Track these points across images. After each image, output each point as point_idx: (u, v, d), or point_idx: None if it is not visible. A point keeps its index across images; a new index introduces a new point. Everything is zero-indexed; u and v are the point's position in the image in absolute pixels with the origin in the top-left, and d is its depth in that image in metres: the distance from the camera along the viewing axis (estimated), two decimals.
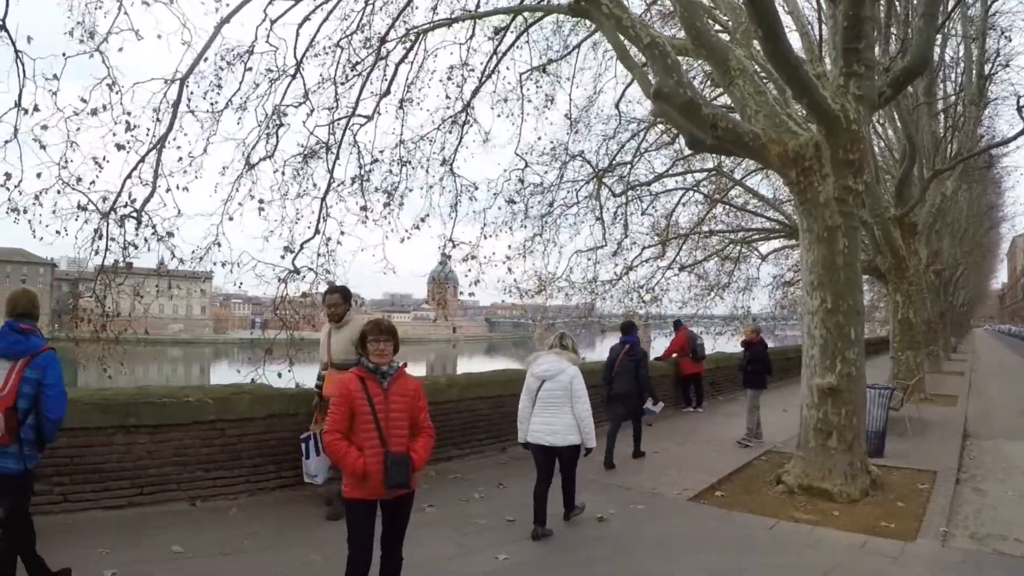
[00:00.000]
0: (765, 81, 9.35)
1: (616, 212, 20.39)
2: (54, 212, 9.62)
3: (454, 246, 13.59)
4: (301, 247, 11.51)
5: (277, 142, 11.73)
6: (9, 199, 8.95)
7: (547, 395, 6.61)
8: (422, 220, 13.85)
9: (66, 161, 9.54)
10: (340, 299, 7.09)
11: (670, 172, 21.44)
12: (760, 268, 28.05)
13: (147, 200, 9.88)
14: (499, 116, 15.92)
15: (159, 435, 6.64)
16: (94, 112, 9.20)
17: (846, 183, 8.26)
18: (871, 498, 8.15)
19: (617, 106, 19.04)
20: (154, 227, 10.00)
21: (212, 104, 11.11)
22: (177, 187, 10.72)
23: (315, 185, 12.68)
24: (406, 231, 13.39)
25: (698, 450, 10.84)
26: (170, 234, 10.08)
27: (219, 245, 11.26)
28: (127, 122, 9.60)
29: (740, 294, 26.68)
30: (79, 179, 9.68)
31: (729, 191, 22.80)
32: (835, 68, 8.80)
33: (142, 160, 9.83)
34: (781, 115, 8.43)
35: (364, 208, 13.13)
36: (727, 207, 24.01)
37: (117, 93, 9.33)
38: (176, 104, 9.98)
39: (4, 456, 4.31)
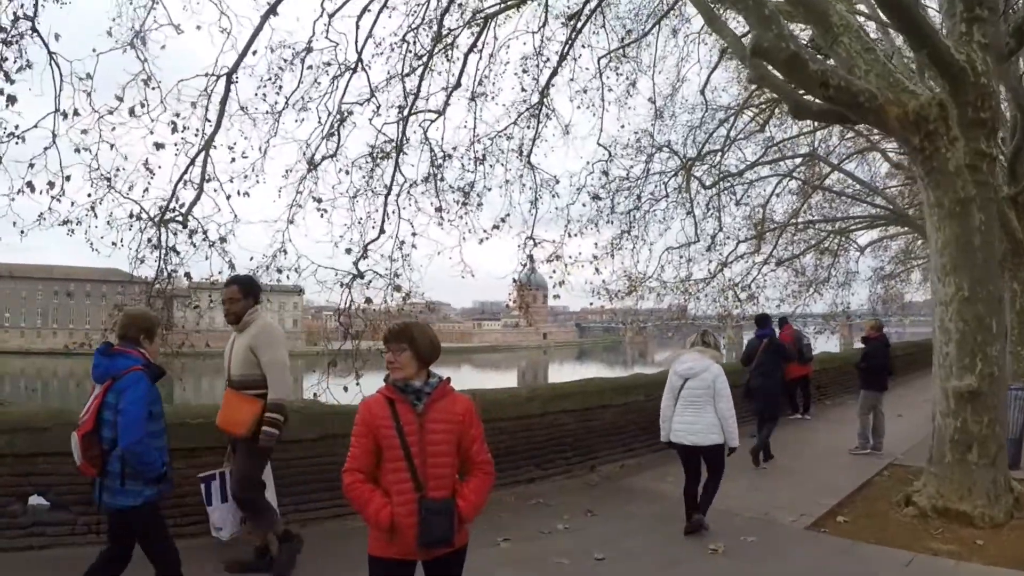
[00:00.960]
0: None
1: (708, 205, 19.25)
2: (108, 223, 9.29)
3: (535, 245, 12.77)
4: (365, 249, 10.90)
5: (339, 141, 11.18)
6: (50, 208, 8.64)
7: (689, 394, 6.58)
8: (502, 220, 13.13)
9: (116, 169, 9.20)
10: (238, 293, 5.40)
11: (762, 160, 20.13)
12: (859, 261, 26.33)
13: (193, 203, 9.41)
14: (578, 107, 15.12)
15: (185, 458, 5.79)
16: (132, 112, 8.79)
17: (978, 147, 7.04)
18: (1016, 521, 6.93)
19: (703, 93, 18.00)
20: (205, 232, 9.50)
21: (271, 105, 10.67)
22: (238, 193, 10.28)
23: (386, 186, 12.11)
24: (484, 232, 12.71)
25: (812, 464, 9.71)
26: (223, 239, 9.56)
27: (284, 252, 10.76)
28: (173, 122, 9.21)
29: (839, 290, 25.00)
30: (131, 187, 9.34)
31: (827, 177, 21.29)
32: (949, 19, 7.55)
33: (192, 163, 9.38)
34: (895, 73, 7.26)
35: (439, 209, 12.50)
36: (824, 194, 22.56)
37: (154, 89, 8.94)
38: (224, 101, 9.50)
39: (102, 489, 4.02)
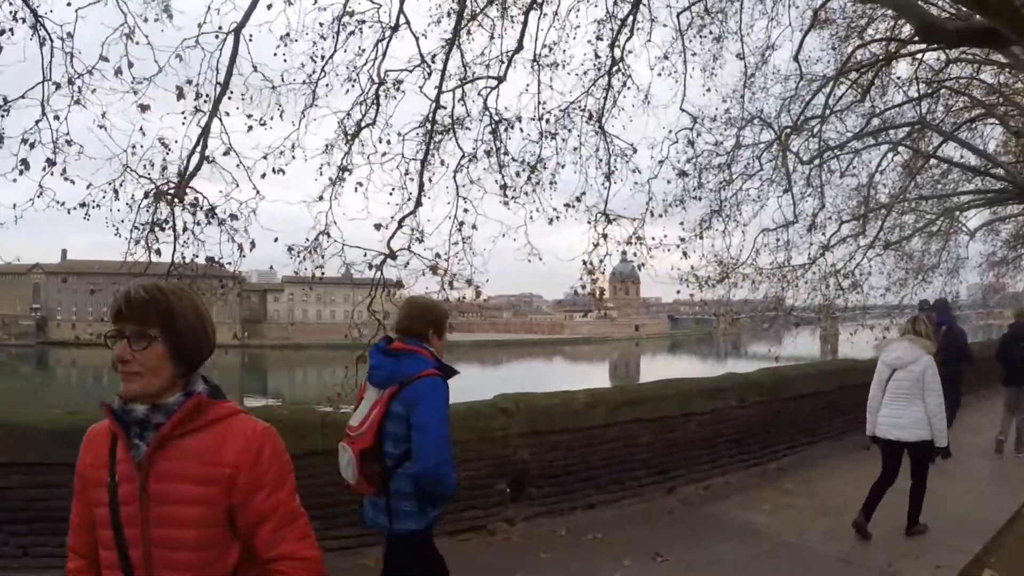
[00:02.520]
0: None
1: (808, 181, 17.16)
2: (129, 205, 8.23)
3: (609, 222, 11.13)
4: (400, 224, 9.44)
5: (377, 109, 9.79)
6: (40, 189, 7.58)
7: (897, 385, 6.26)
8: (577, 199, 11.59)
9: (132, 146, 8.11)
10: None
11: (865, 131, 17.78)
12: (968, 246, 23.46)
13: (192, 174, 8.15)
14: (659, 75, 13.37)
15: None
16: (118, 72, 7.62)
17: None
18: None
19: (796, 58, 15.94)
20: (212, 209, 8.26)
21: (304, 71, 9.40)
22: (273, 171, 9.06)
23: (443, 162, 10.72)
24: (554, 210, 11.21)
25: (943, 485, 7.81)
26: (234, 216, 8.27)
27: (328, 235, 9.49)
28: (178, 87, 8.00)
29: (948, 277, 22.30)
30: (151, 163, 8.24)
31: (938, 149, 18.73)
32: None
33: (205, 132, 8.13)
34: None
35: (505, 186, 11.05)
36: (931, 172, 20.09)
37: (138, 44, 7.74)
38: (232, 61, 8.22)
39: (388, 511, 3.41)
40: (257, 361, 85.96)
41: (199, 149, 8.24)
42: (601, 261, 11.09)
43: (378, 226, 9.45)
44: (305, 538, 1.83)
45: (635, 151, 11.92)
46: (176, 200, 7.97)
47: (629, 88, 12.25)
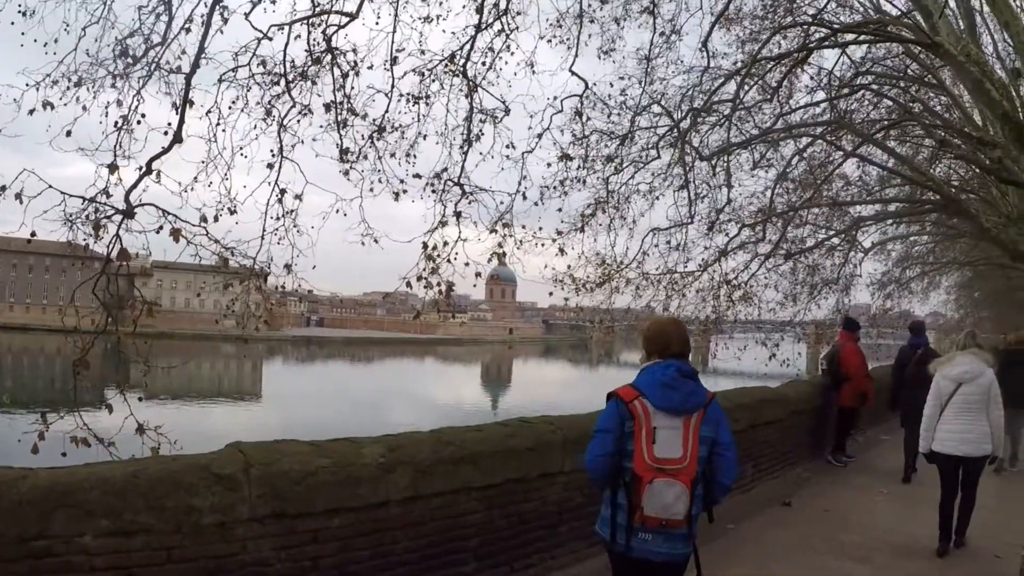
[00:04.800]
0: None
1: (712, 175, 15.02)
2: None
3: (465, 195, 8.41)
4: (148, 169, 6.21)
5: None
6: None
7: (963, 400, 6.15)
8: (437, 176, 8.96)
9: None
10: None
11: (773, 128, 15.77)
12: (862, 264, 22.20)
13: None
14: (550, 41, 11.01)
15: None
16: None
17: None
18: None
19: (704, 46, 13.78)
20: None
21: None
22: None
23: (269, 114, 7.91)
24: (401, 182, 8.60)
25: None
26: None
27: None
28: None
29: (841, 295, 20.88)
30: None
31: (859, 149, 16.91)
32: None
33: None
34: None
35: (345, 151, 8.47)
36: (837, 182, 18.59)
37: None
38: None
39: (684, 539, 3.40)
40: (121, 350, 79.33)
41: None
42: (447, 245, 8.36)
43: (112, 167, 6.24)
44: None
45: (507, 111, 9.37)
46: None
47: (513, 53, 9.89)
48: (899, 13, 14.76)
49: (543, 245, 10.80)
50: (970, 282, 40.47)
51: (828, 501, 7.68)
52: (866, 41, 14.51)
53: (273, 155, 7.93)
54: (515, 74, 10.96)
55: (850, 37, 12.09)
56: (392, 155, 8.85)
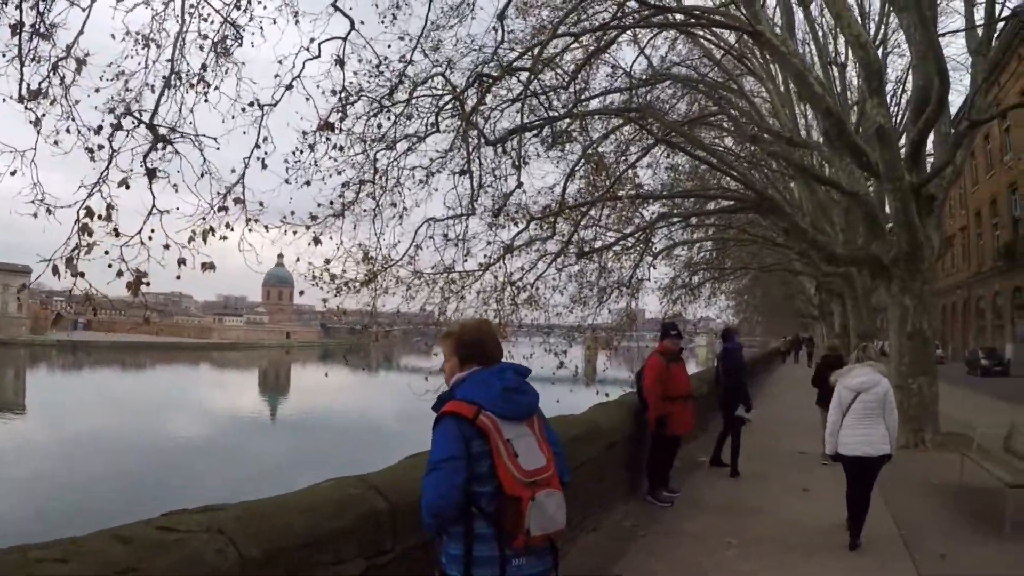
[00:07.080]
0: None
1: (496, 162, 13.37)
2: None
3: (157, 141, 5.99)
4: None
5: None
6: None
7: (864, 407, 6.66)
8: (121, 113, 6.59)
9: None
10: None
11: (570, 112, 14.35)
12: (651, 267, 21.77)
13: None
14: None
15: None
16: None
17: None
18: None
19: (501, 18, 12.16)
20: None
21: None
22: None
23: None
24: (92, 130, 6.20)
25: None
26: None
27: None
28: None
29: (630, 298, 20.19)
30: None
31: (668, 136, 15.93)
32: None
33: None
34: None
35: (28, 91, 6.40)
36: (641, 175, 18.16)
37: None
38: None
39: (544, 555, 2.94)
40: None
41: None
42: (111, 207, 5.88)
43: None
44: None
45: (239, 40, 7.13)
46: None
47: None
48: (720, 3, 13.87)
49: (294, 233, 8.68)
50: (749, 288, 42.43)
51: (666, 566, 5.85)
52: (681, 25, 13.56)
53: None
54: (274, 21, 8.80)
55: (658, 28, 11.02)
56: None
